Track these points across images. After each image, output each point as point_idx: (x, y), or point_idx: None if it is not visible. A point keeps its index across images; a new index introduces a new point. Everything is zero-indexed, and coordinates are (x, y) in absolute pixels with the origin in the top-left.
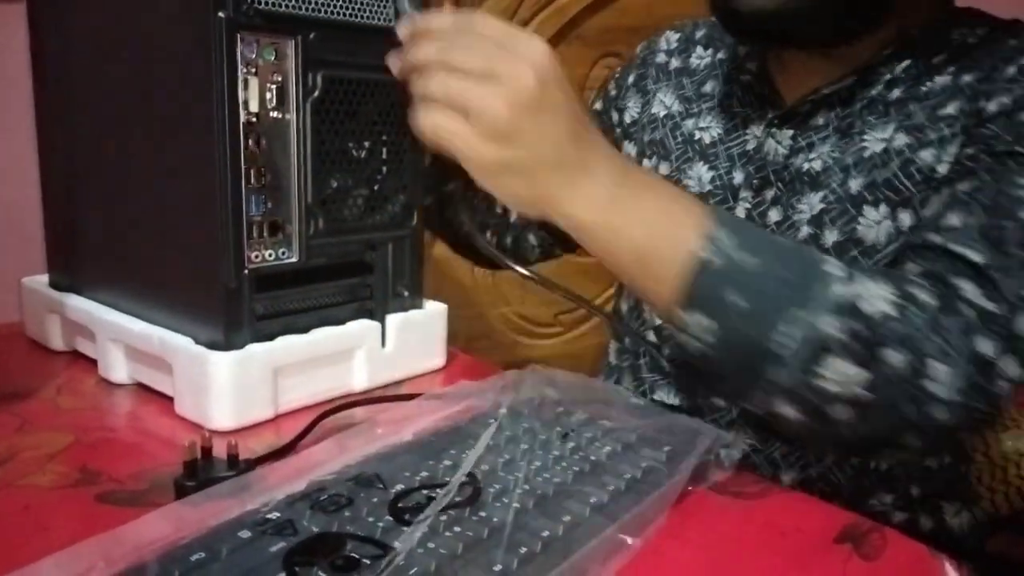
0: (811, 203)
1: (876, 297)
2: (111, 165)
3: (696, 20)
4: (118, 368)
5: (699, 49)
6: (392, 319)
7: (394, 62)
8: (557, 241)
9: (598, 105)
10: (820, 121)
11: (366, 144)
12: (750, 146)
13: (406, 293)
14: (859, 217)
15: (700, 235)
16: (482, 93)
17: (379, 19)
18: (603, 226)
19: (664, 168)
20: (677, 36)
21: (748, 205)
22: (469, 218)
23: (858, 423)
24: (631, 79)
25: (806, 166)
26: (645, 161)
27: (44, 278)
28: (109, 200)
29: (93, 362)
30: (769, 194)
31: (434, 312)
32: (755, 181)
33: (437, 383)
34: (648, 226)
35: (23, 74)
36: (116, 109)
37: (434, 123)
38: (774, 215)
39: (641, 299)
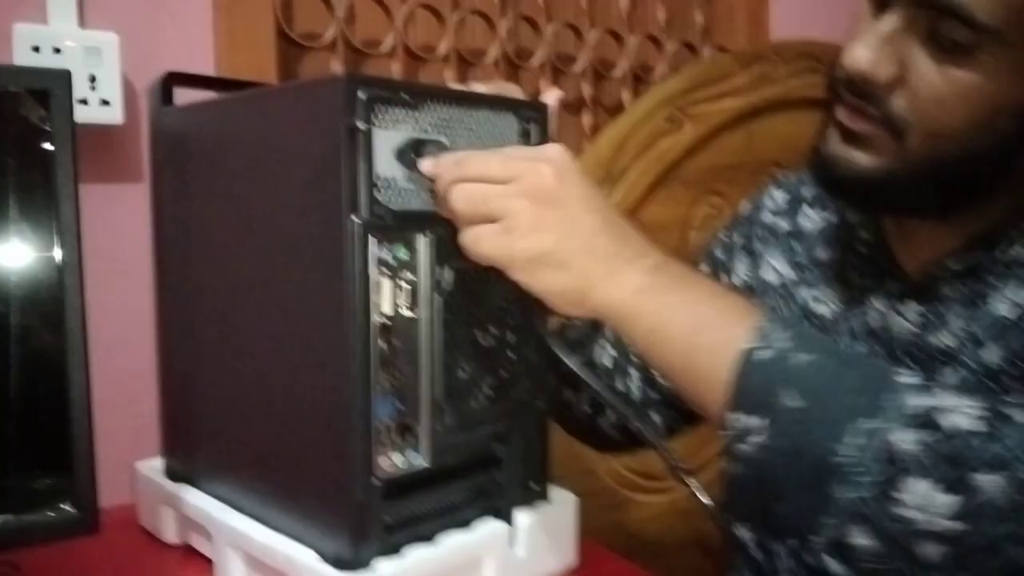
0: (948, 382)
1: (958, 411)
2: (232, 356)
3: (801, 176)
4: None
5: (807, 209)
6: (522, 518)
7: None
8: (682, 416)
9: (704, 267)
10: (947, 292)
11: (492, 330)
12: (873, 321)
13: (536, 487)
14: (1003, 395)
15: (749, 328)
16: (502, 193)
17: None
18: (647, 314)
19: None
20: (783, 194)
21: None
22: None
23: (953, 565)
24: (737, 240)
25: (938, 342)
26: None
27: (158, 463)
28: (228, 392)
29: (208, 560)
30: None
31: (564, 504)
32: (882, 359)
33: None
34: (693, 315)
35: (145, 252)
36: (239, 299)
37: (469, 239)
38: None
39: (695, 405)
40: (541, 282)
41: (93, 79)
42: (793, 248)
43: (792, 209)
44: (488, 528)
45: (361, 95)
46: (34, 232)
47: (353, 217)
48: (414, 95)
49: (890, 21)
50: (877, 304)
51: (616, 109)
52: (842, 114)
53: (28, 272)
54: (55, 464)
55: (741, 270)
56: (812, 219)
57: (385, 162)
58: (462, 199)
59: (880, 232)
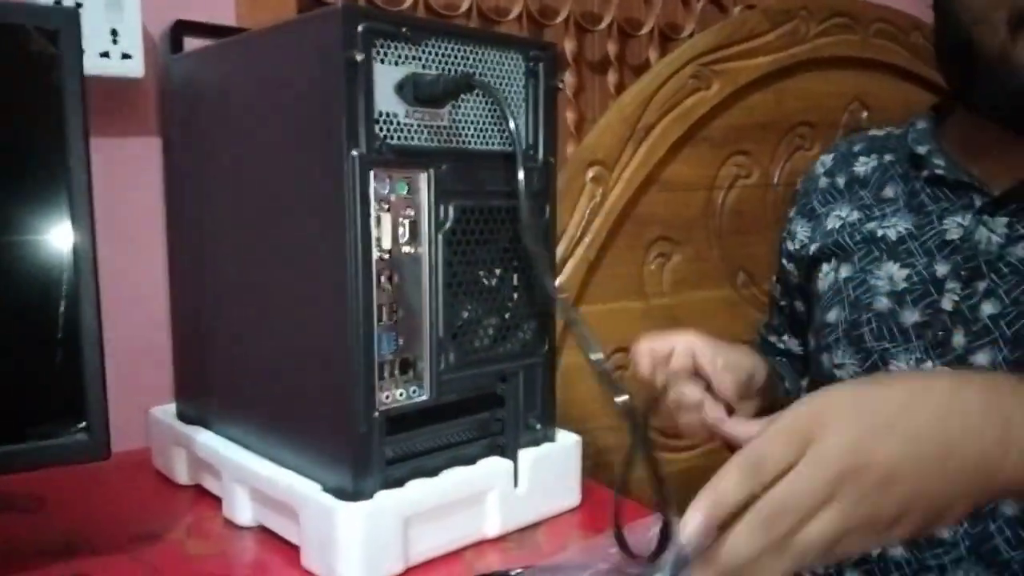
0: None
1: None
2: (240, 300)
3: (850, 138)
4: (243, 510)
5: (861, 158)
6: (525, 456)
7: None
8: None
9: (789, 266)
10: None
11: (497, 271)
12: (953, 236)
13: (538, 426)
14: None
15: None
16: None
17: (508, 145)
18: None
19: (846, 270)
20: (831, 156)
21: (956, 297)
22: None
23: None
24: (793, 212)
25: None
26: (823, 266)
27: (172, 408)
28: (237, 334)
29: (218, 500)
30: (981, 286)
31: (568, 445)
32: (963, 272)
33: (574, 525)
34: None
35: (159, 204)
36: (246, 243)
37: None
38: (988, 307)
39: None
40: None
41: (115, 33)
42: (858, 195)
43: (844, 163)
44: (491, 465)
45: (360, 27)
46: (45, 175)
47: (353, 151)
48: (416, 30)
49: None
50: (959, 220)
51: (642, 68)
52: None
53: (42, 216)
54: (71, 397)
55: (800, 232)
56: (866, 164)
57: (385, 97)
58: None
59: (953, 157)
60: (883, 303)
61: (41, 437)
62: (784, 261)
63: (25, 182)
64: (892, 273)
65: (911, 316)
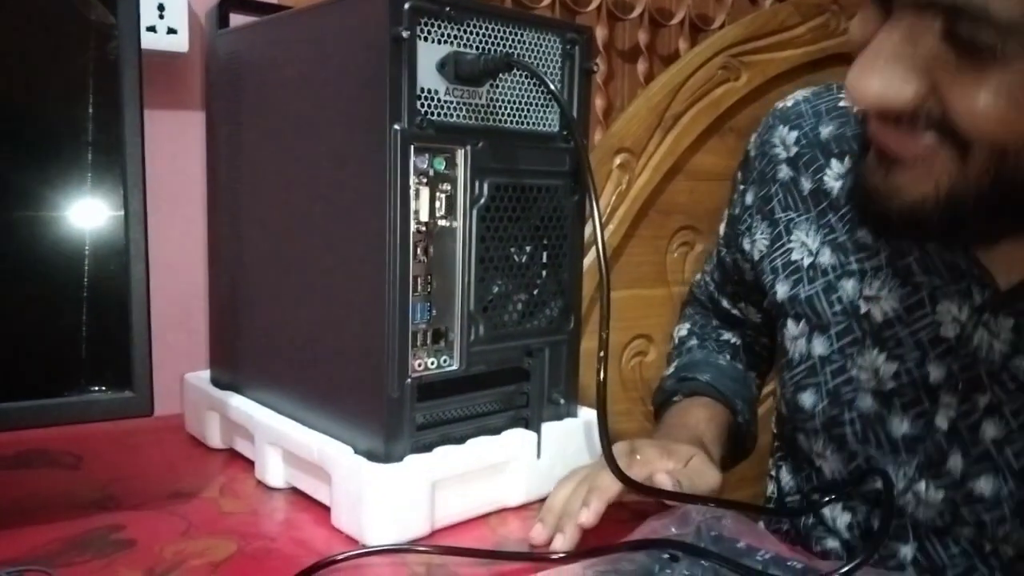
0: None
1: None
2: (276, 268)
3: (813, 100)
4: (275, 473)
5: (833, 162)
6: (548, 428)
7: None
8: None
9: (723, 229)
10: None
11: (527, 248)
12: (948, 333)
13: (562, 400)
14: None
15: None
16: None
17: (543, 126)
18: None
19: (821, 345)
20: (792, 134)
21: (952, 413)
22: None
23: None
24: (750, 199)
25: None
26: (790, 323)
27: (206, 374)
28: (273, 302)
29: (250, 463)
30: (982, 401)
31: (589, 421)
32: (960, 382)
33: None
34: None
35: (200, 176)
36: (285, 214)
37: None
38: (991, 429)
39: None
40: None
41: (161, 8)
42: (827, 221)
43: (810, 159)
44: (516, 436)
45: (406, 4)
46: (101, 144)
47: (395, 125)
48: (459, 9)
49: (896, 30)
50: (953, 311)
51: (672, 58)
52: (888, 138)
53: (96, 185)
54: (117, 353)
55: (759, 237)
56: (839, 178)
57: (428, 74)
58: None
59: None
60: (868, 403)
61: (87, 392)
62: (739, 257)
63: (81, 151)
64: (878, 365)
65: (900, 426)
